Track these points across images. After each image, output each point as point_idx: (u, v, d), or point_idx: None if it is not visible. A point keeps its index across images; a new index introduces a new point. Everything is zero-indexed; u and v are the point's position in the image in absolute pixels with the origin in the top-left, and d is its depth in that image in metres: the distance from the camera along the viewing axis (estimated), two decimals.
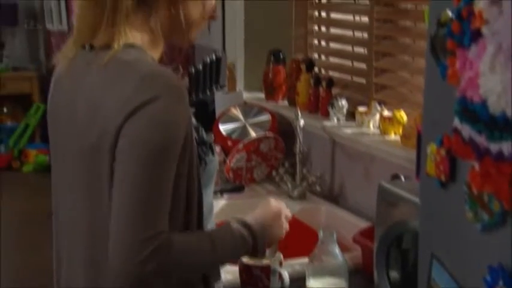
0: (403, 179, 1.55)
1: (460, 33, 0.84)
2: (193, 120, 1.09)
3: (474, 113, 0.80)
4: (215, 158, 1.14)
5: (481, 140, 0.80)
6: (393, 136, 1.93)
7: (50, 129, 1.15)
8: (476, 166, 0.82)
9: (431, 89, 0.95)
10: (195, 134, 1.06)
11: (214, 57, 2.66)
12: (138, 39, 1.05)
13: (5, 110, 4.76)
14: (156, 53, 1.10)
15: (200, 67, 2.64)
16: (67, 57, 1.09)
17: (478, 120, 0.80)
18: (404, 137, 1.84)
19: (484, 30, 0.78)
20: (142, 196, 0.93)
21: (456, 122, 0.84)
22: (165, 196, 0.96)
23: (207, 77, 2.65)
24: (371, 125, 2.03)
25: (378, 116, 2.00)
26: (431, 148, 0.92)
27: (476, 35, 0.80)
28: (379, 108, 2.00)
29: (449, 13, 0.88)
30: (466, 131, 0.82)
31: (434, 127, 0.92)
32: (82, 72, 1.05)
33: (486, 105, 0.78)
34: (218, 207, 2.09)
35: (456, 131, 0.85)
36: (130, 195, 0.93)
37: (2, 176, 4.48)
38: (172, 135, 0.96)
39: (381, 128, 1.97)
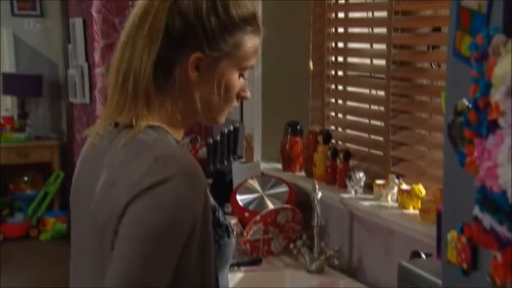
0: (423, 256, 1.53)
1: (477, 122, 0.85)
2: (212, 201, 1.09)
3: (494, 202, 0.80)
4: (232, 241, 1.12)
5: (502, 230, 0.80)
6: (412, 210, 1.91)
7: (71, 201, 1.17)
8: (499, 256, 0.81)
9: (450, 176, 0.95)
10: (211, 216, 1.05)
11: (232, 127, 2.70)
12: (159, 121, 1.07)
13: (25, 178, 4.81)
14: (178, 134, 1.12)
15: (218, 138, 2.67)
16: (95, 133, 1.12)
17: (498, 210, 0.80)
18: (423, 211, 1.83)
19: (501, 121, 0.79)
20: (134, 276, 0.93)
21: (476, 210, 0.84)
22: (157, 280, 0.95)
23: (225, 147, 2.68)
24: (389, 198, 2.02)
25: (395, 189, 1.99)
26: (451, 235, 0.91)
27: (494, 126, 0.81)
28: (396, 181, 2.00)
29: (466, 102, 0.89)
30: (487, 220, 0.82)
31: (454, 214, 0.92)
32: (105, 149, 1.08)
33: (506, 195, 0.78)
34: (235, 280, 2.07)
35: (477, 219, 0.84)
36: (124, 273, 0.93)
37: (20, 244, 4.48)
38: (177, 220, 0.96)
39: (399, 202, 1.96)
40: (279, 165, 2.56)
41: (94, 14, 3.90)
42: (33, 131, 4.73)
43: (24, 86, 4.70)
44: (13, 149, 4.61)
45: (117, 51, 1.09)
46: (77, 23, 4.21)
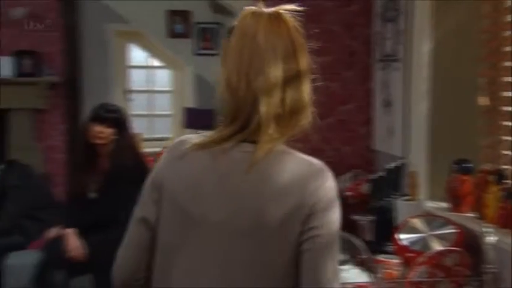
0: None
1: None
2: None
3: None
4: None
5: None
6: None
7: (181, 200, 1.19)
8: None
9: None
10: None
11: (397, 164, 2.66)
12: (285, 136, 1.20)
13: None
14: None
15: (382, 173, 2.64)
16: (221, 146, 1.19)
17: None
18: None
19: None
20: (335, 252, 1.13)
21: None
22: None
23: (387, 184, 2.64)
24: None
25: None
26: None
27: None
28: None
29: None
30: None
31: None
32: (239, 160, 1.16)
33: None
34: None
35: None
36: (329, 252, 1.12)
37: None
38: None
39: None
40: (444, 205, 2.45)
41: None
42: None
43: (203, 119, 5.10)
44: None
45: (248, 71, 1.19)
46: None
